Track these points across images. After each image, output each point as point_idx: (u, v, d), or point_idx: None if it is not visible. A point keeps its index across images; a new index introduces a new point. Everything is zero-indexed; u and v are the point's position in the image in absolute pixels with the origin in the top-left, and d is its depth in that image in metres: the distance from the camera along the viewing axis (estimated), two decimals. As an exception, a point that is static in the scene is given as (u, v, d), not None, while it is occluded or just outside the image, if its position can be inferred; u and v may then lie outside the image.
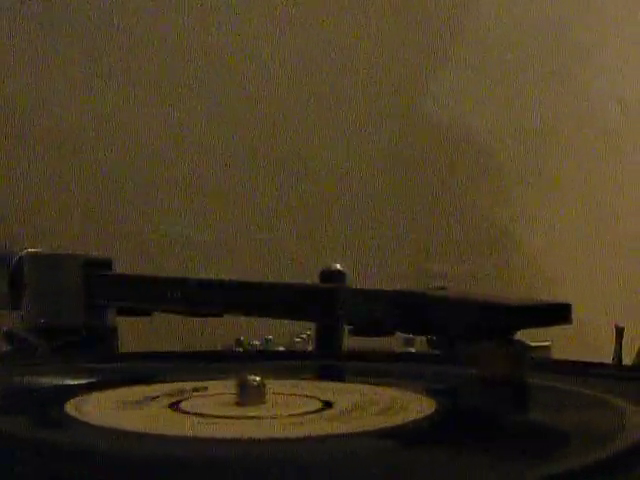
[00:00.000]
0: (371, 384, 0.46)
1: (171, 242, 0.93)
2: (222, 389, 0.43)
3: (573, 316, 0.44)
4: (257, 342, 0.68)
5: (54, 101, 0.92)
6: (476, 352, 0.44)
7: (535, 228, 1.02)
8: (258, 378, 0.40)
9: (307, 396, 0.43)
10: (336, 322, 0.59)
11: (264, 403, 0.40)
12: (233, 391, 0.40)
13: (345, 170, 0.98)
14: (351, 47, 0.98)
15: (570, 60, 1.04)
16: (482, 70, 1.01)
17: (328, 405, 0.41)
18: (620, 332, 0.66)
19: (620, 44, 1.05)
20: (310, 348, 0.66)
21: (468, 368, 0.46)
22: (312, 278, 0.62)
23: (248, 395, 0.40)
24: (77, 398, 0.42)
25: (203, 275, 0.61)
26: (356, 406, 0.41)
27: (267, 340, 0.67)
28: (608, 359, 0.66)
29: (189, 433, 0.37)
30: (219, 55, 0.96)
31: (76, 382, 0.49)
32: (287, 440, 0.36)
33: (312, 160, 0.97)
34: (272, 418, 0.39)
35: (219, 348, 0.69)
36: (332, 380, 0.50)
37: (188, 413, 0.40)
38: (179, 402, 0.41)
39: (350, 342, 0.61)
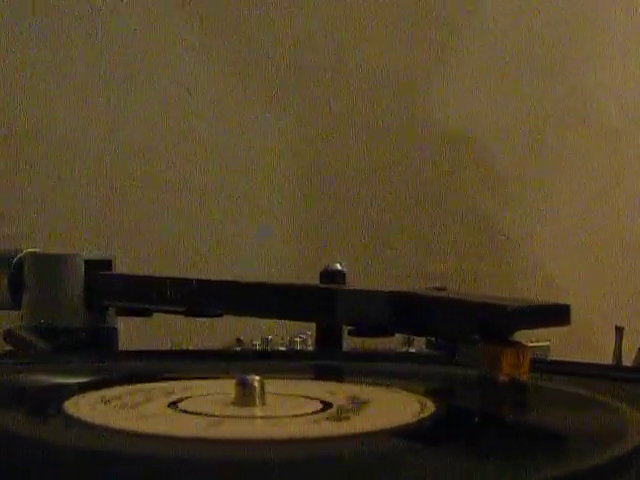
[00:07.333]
0: (371, 384, 0.46)
1: (171, 242, 0.93)
2: (222, 389, 0.43)
3: (573, 316, 0.44)
4: (257, 342, 0.68)
5: (55, 101, 0.92)
6: (475, 353, 0.44)
7: (535, 228, 1.02)
8: (258, 378, 0.40)
9: (307, 396, 0.43)
10: (336, 322, 0.59)
11: (264, 403, 0.40)
12: (233, 391, 0.40)
13: (345, 170, 0.98)
14: (351, 47, 0.98)
15: (569, 60, 1.04)
16: (482, 70, 1.01)
17: (328, 405, 0.41)
18: (620, 332, 0.66)
19: (620, 44, 1.05)
20: (310, 348, 0.66)
21: (467, 369, 0.46)
22: (312, 278, 0.62)
23: (248, 395, 0.40)
24: (76, 397, 0.42)
25: (203, 275, 0.61)
26: (356, 406, 0.41)
27: (267, 340, 0.67)
28: (608, 359, 0.66)
29: (188, 433, 0.37)
30: (219, 53, 0.96)
31: (75, 381, 0.49)
32: (287, 440, 0.36)
33: (312, 159, 0.97)
34: (271, 418, 0.39)
35: (219, 348, 0.69)
36: (332, 380, 0.50)
37: (187, 413, 0.40)
38: (178, 401, 0.41)
39: (350, 342, 0.61)
